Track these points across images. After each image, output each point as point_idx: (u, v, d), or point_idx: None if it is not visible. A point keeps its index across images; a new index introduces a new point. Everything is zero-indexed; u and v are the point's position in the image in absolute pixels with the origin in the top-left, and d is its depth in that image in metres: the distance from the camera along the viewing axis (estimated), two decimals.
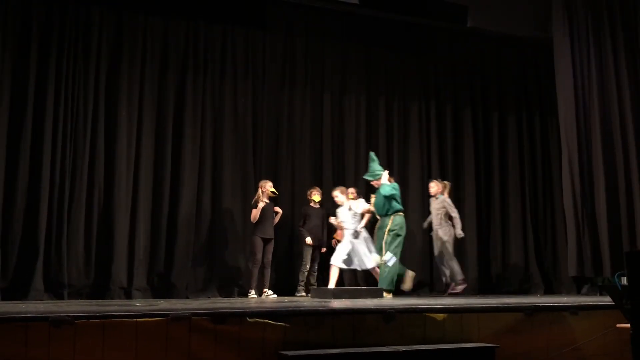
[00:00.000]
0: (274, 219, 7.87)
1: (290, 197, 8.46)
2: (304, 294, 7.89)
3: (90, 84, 7.65)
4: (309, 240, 8.03)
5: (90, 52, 7.69)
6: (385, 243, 7.48)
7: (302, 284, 7.98)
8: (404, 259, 7.97)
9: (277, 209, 7.94)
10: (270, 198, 7.86)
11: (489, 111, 9.76)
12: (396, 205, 7.59)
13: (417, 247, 8.96)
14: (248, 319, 4.22)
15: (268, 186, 7.83)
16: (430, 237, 8.69)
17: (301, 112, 8.80)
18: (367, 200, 8.13)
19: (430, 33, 9.51)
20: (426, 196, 9.17)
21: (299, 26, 8.92)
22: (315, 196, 8.19)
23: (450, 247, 8.27)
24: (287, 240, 8.38)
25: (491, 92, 9.84)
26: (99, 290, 7.29)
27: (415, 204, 9.08)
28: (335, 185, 8.45)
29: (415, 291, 8.73)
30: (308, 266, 8.02)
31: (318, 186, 8.46)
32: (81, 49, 7.66)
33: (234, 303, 6.03)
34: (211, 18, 8.41)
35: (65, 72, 7.50)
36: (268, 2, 8.70)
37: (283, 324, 4.29)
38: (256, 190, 7.83)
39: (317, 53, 8.98)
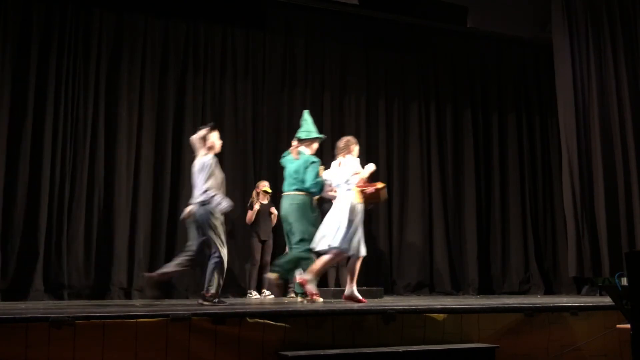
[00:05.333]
0: (271, 219, 7.82)
1: None
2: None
3: (90, 84, 7.66)
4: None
5: (90, 52, 7.70)
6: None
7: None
8: None
9: (273, 209, 7.82)
10: (271, 199, 7.84)
11: (489, 111, 9.76)
12: None
13: (416, 247, 8.95)
14: (248, 320, 4.22)
15: (262, 186, 7.78)
16: (431, 238, 8.64)
17: (301, 112, 8.75)
18: None
19: (430, 33, 9.51)
20: (426, 196, 9.18)
21: (299, 26, 8.92)
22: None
23: None
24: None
25: (491, 92, 9.84)
26: (99, 291, 7.29)
27: (415, 203, 9.07)
28: None
29: (415, 291, 8.73)
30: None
31: None
32: (81, 49, 7.66)
33: (234, 304, 6.02)
34: (211, 18, 8.41)
35: (65, 72, 7.51)
36: (268, 2, 8.70)
37: (283, 324, 4.29)
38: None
39: (317, 53, 8.97)
